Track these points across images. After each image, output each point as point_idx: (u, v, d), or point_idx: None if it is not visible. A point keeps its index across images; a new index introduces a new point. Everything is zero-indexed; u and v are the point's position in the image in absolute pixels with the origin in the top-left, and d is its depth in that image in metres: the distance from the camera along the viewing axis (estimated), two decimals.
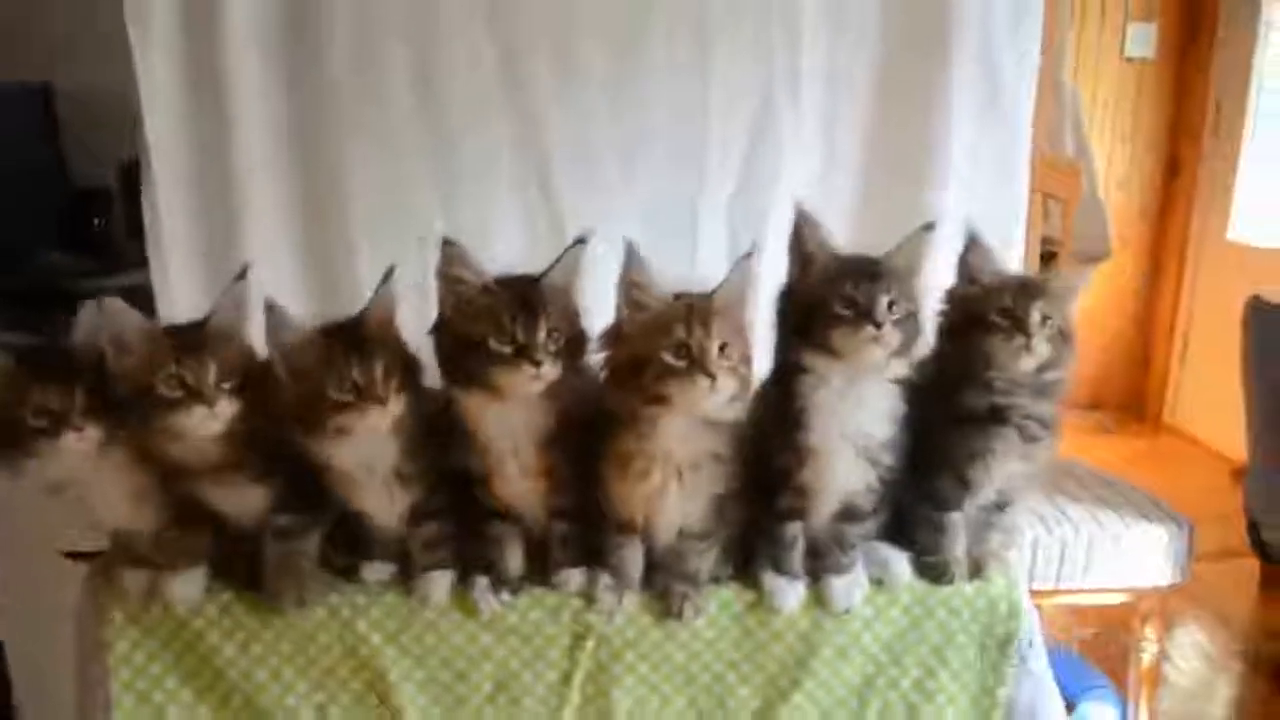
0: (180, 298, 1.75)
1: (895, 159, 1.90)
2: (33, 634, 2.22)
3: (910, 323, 1.21)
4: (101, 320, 1.20)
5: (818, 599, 1.34)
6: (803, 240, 1.25)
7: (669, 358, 1.13)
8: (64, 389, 1.15)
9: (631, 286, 1.17)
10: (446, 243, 1.21)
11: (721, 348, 1.14)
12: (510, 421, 1.23)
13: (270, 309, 1.18)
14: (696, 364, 1.13)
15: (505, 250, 1.77)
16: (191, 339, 1.18)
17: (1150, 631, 2.35)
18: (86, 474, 1.21)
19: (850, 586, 1.34)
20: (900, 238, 1.82)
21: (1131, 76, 4.38)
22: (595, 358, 1.23)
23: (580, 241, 1.24)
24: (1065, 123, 3.08)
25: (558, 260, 1.23)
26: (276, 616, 1.30)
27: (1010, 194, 1.95)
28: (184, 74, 1.71)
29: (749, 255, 1.21)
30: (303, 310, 1.77)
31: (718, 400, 1.15)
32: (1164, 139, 4.47)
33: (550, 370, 1.17)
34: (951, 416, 1.30)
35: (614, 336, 1.20)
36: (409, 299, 1.80)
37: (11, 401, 1.15)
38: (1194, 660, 2.92)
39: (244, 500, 1.26)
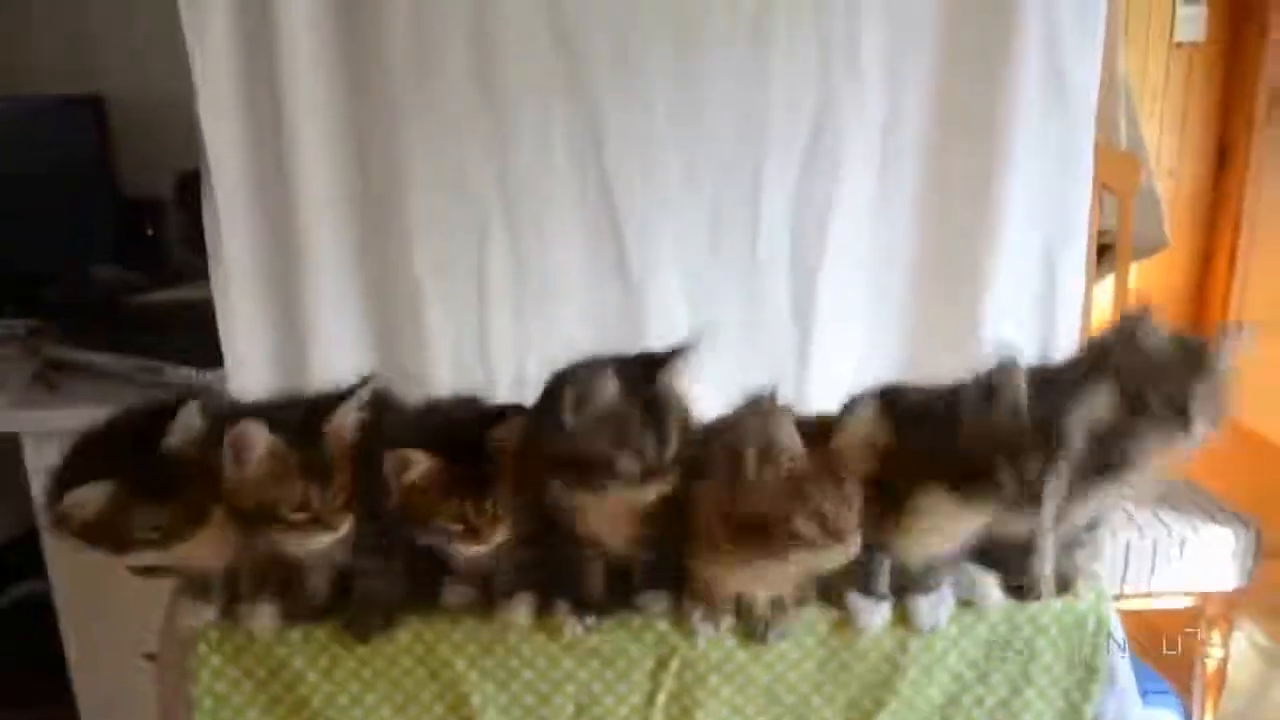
0: (241, 312, 1.76)
1: (958, 150, 1.87)
2: (100, 654, 2.26)
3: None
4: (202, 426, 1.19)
5: (903, 618, 1.32)
6: (1001, 384, 1.14)
7: (801, 525, 1.09)
8: (170, 505, 1.14)
9: (764, 441, 1.11)
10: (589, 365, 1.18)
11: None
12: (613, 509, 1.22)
13: (402, 460, 1.16)
14: (831, 534, 1.09)
15: (562, 252, 1.80)
16: (317, 458, 1.16)
17: (1215, 636, 2.32)
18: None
19: (936, 606, 1.32)
20: (962, 239, 1.85)
21: (1181, 62, 4.29)
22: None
23: (694, 339, 1.21)
24: (1120, 111, 3.03)
25: (674, 354, 1.20)
26: (359, 642, 1.29)
27: (1075, 190, 1.92)
28: (242, 84, 1.70)
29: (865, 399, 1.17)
30: (359, 320, 1.84)
31: (841, 556, 1.12)
32: (1214, 126, 4.38)
33: (672, 480, 1.16)
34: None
35: (727, 479, 1.13)
36: (467, 298, 1.84)
37: (118, 522, 1.13)
38: (1254, 660, 2.88)
39: (326, 550, 1.24)
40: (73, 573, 2.24)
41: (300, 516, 1.14)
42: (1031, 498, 1.11)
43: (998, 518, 1.16)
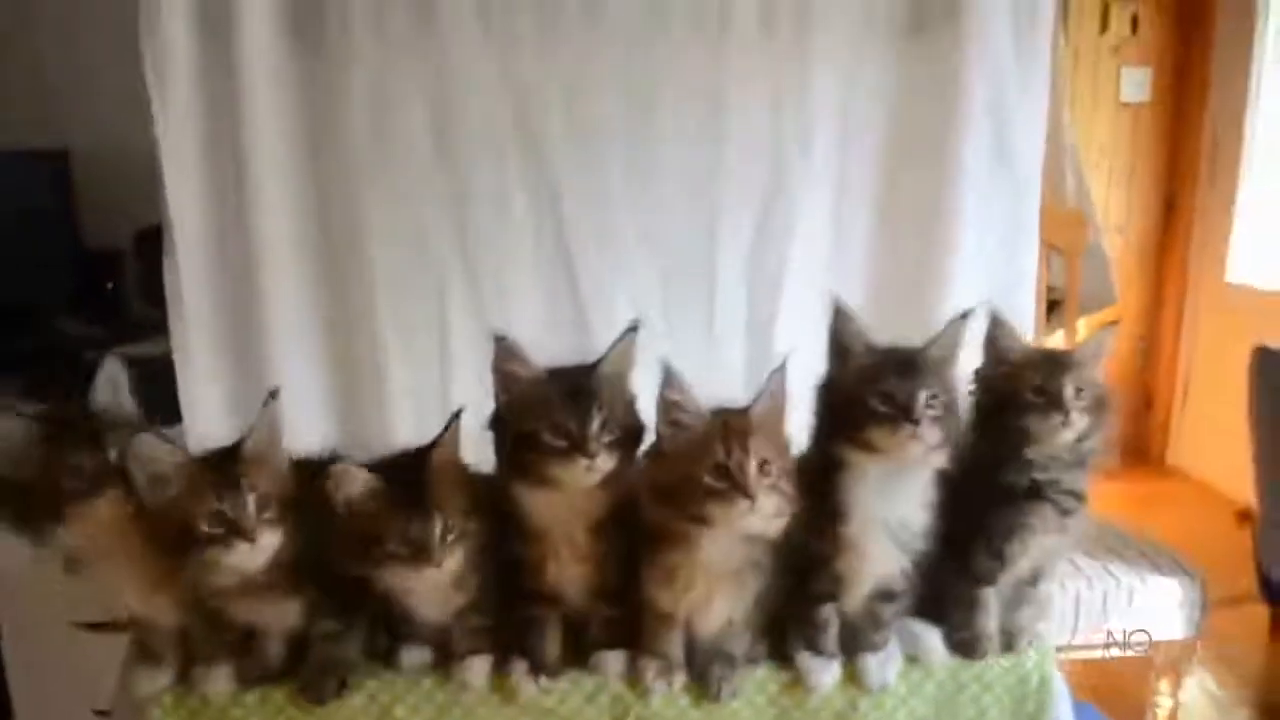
0: (200, 365, 1.76)
1: (907, 215, 1.93)
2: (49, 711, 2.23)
3: (949, 414, 1.23)
4: (120, 383, 1.25)
5: (852, 677, 1.35)
6: (840, 333, 1.26)
7: (708, 479, 1.14)
8: (92, 452, 1.17)
9: (670, 406, 1.18)
10: (499, 339, 1.24)
11: (761, 465, 1.15)
12: (565, 511, 1.25)
13: (341, 473, 1.18)
14: (736, 485, 1.14)
15: (521, 310, 1.83)
16: (228, 470, 1.16)
17: (1165, 686, 2.36)
18: (109, 547, 1.21)
19: (885, 664, 1.35)
20: (913, 292, 1.89)
21: (1127, 121, 4.44)
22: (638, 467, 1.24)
23: (632, 329, 1.26)
24: (1066, 170, 3.10)
25: (611, 348, 1.25)
26: (315, 704, 1.29)
27: (1021, 249, 1.97)
28: (204, 140, 1.73)
29: (782, 367, 1.22)
30: (321, 378, 1.85)
31: (757, 520, 1.16)
32: (1160, 182, 4.52)
33: (605, 462, 1.19)
34: (988, 494, 1.31)
35: (654, 455, 1.21)
36: (428, 352, 1.86)
37: (39, 467, 1.15)
38: (1205, 707, 2.92)
39: (281, 614, 1.27)
40: (23, 629, 2.21)
41: (216, 530, 1.14)
42: (906, 413, 1.18)
43: (894, 452, 1.20)
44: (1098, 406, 1.30)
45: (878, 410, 1.19)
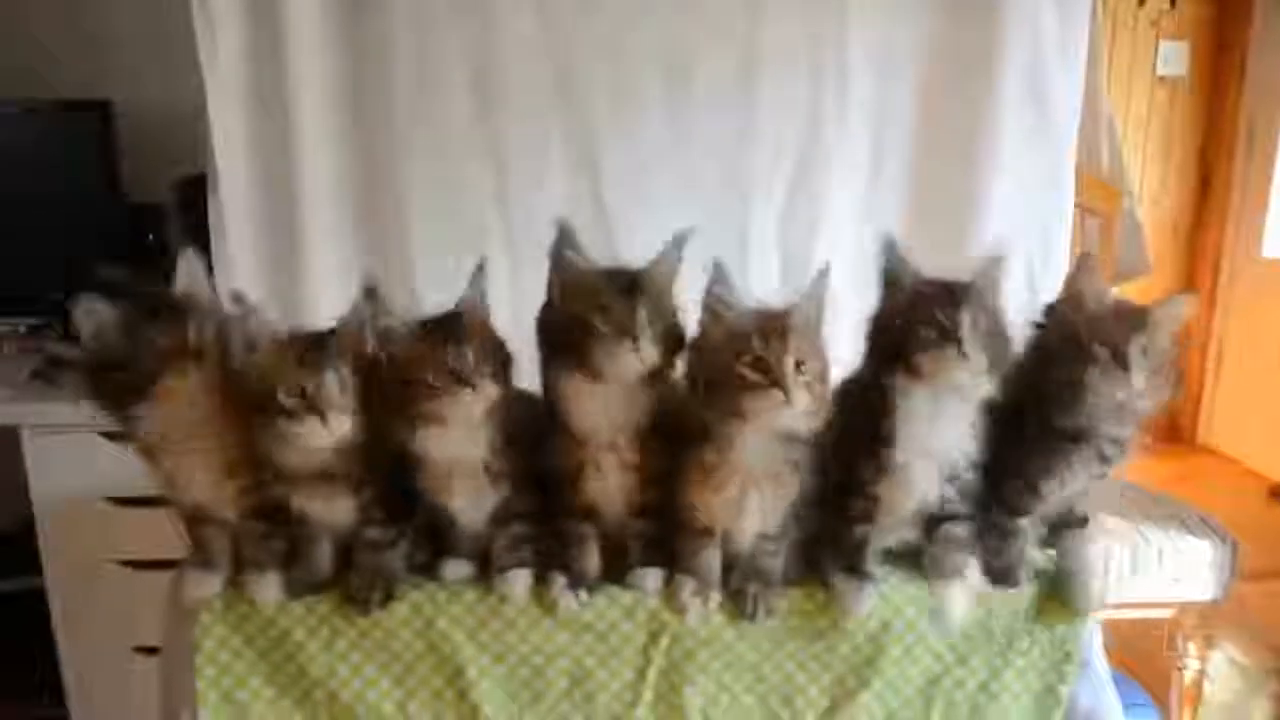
0: None
1: (942, 174, 1.94)
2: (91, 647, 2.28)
3: (995, 342, 1.23)
4: (197, 273, 1.29)
5: (887, 599, 1.36)
6: (890, 268, 1.28)
7: (745, 372, 1.17)
8: (172, 331, 1.21)
9: (714, 300, 1.21)
10: (561, 224, 1.28)
11: (797, 364, 1.17)
12: (609, 409, 1.27)
13: (371, 294, 1.23)
14: (772, 379, 1.16)
15: None
16: (318, 348, 1.20)
17: (1192, 648, 2.36)
18: (187, 426, 1.25)
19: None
20: (947, 253, 1.90)
21: (1163, 94, 4.39)
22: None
23: (680, 240, 1.28)
24: (1102, 138, 3.09)
25: (660, 254, 1.27)
26: (360, 614, 1.33)
27: (1055, 210, 1.99)
28: (249, 86, 1.78)
29: (825, 272, 1.23)
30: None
31: (792, 415, 1.18)
32: (1196, 157, 4.47)
33: (649, 351, 1.21)
34: (1032, 430, 1.32)
35: (695, 349, 1.24)
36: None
37: (124, 347, 1.20)
38: (1232, 679, 2.91)
39: (334, 510, 1.30)
40: (66, 567, 2.27)
41: (293, 402, 1.17)
42: (949, 338, 1.20)
43: (941, 376, 1.22)
44: (1159, 370, 1.28)
45: (925, 336, 1.21)
